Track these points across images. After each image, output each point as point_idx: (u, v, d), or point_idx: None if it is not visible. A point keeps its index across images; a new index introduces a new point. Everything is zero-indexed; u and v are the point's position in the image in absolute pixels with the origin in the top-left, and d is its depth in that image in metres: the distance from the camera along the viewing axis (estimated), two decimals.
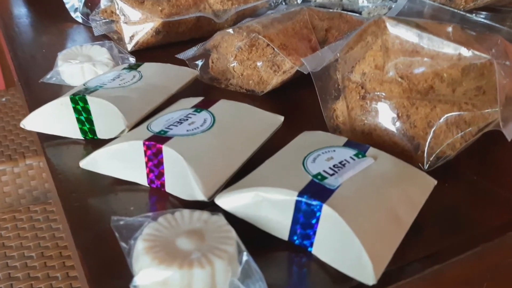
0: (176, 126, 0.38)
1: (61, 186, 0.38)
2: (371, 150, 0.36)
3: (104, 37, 0.69)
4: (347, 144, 0.37)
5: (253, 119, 0.41)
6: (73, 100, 0.42)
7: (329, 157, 0.35)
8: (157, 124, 0.39)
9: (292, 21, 0.58)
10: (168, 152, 0.35)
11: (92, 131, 0.43)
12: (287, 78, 0.53)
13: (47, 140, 0.44)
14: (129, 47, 0.64)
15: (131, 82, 0.45)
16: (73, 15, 0.76)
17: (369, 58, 0.43)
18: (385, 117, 0.42)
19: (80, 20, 0.75)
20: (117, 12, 0.64)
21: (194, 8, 0.67)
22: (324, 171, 0.33)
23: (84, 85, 0.45)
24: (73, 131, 0.43)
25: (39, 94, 0.53)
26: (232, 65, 0.54)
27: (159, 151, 0.36)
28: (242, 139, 0.38)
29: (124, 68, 0.49)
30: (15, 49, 0.65)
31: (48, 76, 0.54)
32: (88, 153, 0.43)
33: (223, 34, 0.55)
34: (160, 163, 0.36)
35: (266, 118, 0.42)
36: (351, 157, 0.35)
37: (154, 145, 0.36)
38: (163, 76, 0.47)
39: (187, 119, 0.39)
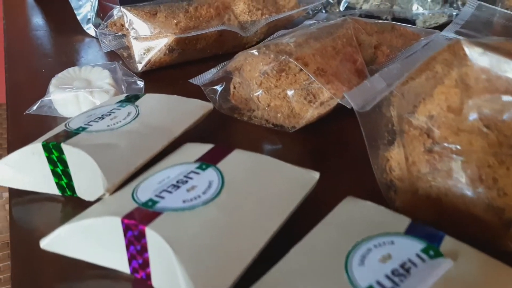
0: (171, 193, 0.28)
1: (18, 272, 0.29)
2: (447, 241, 0.25)
3: (114, 54, 0.60)
4: (410, 231, 0.25)
5: (277, 179, 0.30)
6: (46, 148, 0.33)
7: (385, 254, 0.23)
8: (147, 188, 0.29)
9: (333, 36, 0.47)
10: (152, 237, 0.25)
11: (71, 187, 0.33)
12: (325, 112, 0.42)
13: (18, 196, 0.35)
14: (140, 66, 0.55)
15: (123, 122, 0.35)
16: (84, 27, 0.67)
17: (439, 96, 0.31)
18: (462, 179, 0.30)
19: (92, 32, 0.67)
20: (126, 25, 0.54)
21: (217, 20, 0.56)
22: (379, 283, 0.22)
23: (65, 125, 0.36)
24: (48, 185, 0.34)
25: (25, 129, 0.44)
26: (257, 94, 0.44)
27: (142, 234, 0.25)
28: (259, 213, 0.28)
29: (120, 101, 0.39)
30: (11, 68, 0.57)
31: (35, 107, 0.45)
32: (66, 215, 0.33)
33: (246, 55, 0.44)
34: (144, 249, 0.26)
35: (294, 176, 0.31)
36: (418, 255, 0.23)
37: (136, 226, 0.26)
38: (166, 113, 0.37)
39: (186, 181, 0.29)
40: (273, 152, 0.43)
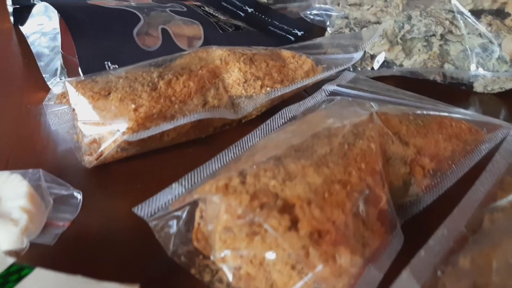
0: None
1: None
2: None
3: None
4: None
5: None
6: None
7: None
8: None
9: (347, 157, 0.31)
10: None
11: None
12: None
13: None
14: (89, 160, 0.41)
15: None
16: (48, 81, 0.54)
17: None
18: None
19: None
20: (72, 105, 0.41)
21: (197, 98, 0.42)
22: None
23: None
24: None
25: None
26: (220, 255, 0.29)
27: None
28: None
29: None
30: None
31: None
32: None
33: (206, 197, 0.29)
34: None
35: None
36: None
37: None
38: None
39: None
40: None
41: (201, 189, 0.30)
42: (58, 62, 0.54)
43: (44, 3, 0.50)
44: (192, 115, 0.39)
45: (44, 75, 0.54)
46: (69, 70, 0.52)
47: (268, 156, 0.32)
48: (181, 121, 0.38)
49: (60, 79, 0.53)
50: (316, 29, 0.68)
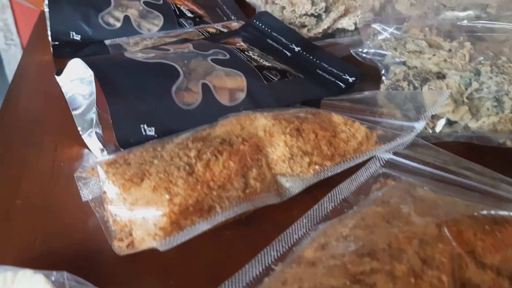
0: None
1: None
2: None
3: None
4: None
5: None
6: None
7: None
8: None
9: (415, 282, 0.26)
10: None
11: None
12: None
13: None
14: (120, 246, 0.37)
15: None
16: (83, 134, 0.51)
17: None
18: None
19: (91, 144, 0.51)
20: (103, 187, 0.37)
21: (237, 181, 0.37)
22: None
23: None
24: None
25: None
26: None
27: None
28: None
29: None
30: None
31: None
32: None
33: None
34: None
35: None
36: None
37: None
38: None
39: None
40: None
41: None
42: (93, 114, 0.51)
43: (79, 60, 0.47)
44: (232, 209, 0.35)
45: (78, 128, 0.51)
46: (103, 126, 0.49)
47: (318, 282, 0.28)
48: (218, 218, 0.34)
49: (96, 133, 0.50)
50: (368, 72, 0.62)
